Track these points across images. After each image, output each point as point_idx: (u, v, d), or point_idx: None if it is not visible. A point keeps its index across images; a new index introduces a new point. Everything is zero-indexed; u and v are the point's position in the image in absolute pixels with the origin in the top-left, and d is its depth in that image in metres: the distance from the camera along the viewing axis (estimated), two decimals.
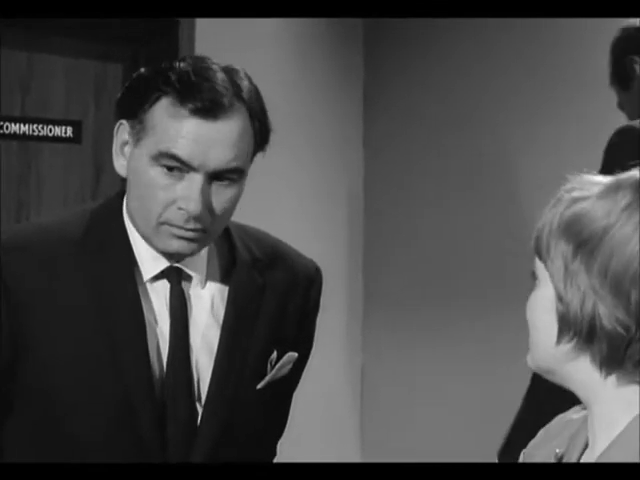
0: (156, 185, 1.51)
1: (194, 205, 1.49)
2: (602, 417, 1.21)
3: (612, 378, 1.18)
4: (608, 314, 1.14)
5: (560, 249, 1.17)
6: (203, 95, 1.48)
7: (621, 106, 2.19)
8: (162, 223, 1.53)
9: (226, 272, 1.64)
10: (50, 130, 3.42)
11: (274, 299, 1.66)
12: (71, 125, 3.46)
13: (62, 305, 1.55)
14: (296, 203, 3.92)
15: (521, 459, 1.38)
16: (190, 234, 1.53)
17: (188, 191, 1.50)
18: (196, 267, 1.61)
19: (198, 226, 1.52)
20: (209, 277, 1.63)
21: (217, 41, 3.61)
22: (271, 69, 3.77)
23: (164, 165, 1.50)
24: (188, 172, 1.50)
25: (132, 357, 1.55)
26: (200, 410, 1.60)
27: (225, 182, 1.53)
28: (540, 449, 1.34)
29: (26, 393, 1.57)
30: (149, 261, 1.60)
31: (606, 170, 2.07)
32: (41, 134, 3.40)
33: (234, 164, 1.52)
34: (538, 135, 3.46)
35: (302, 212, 3.93)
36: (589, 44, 3.31)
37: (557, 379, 1.24)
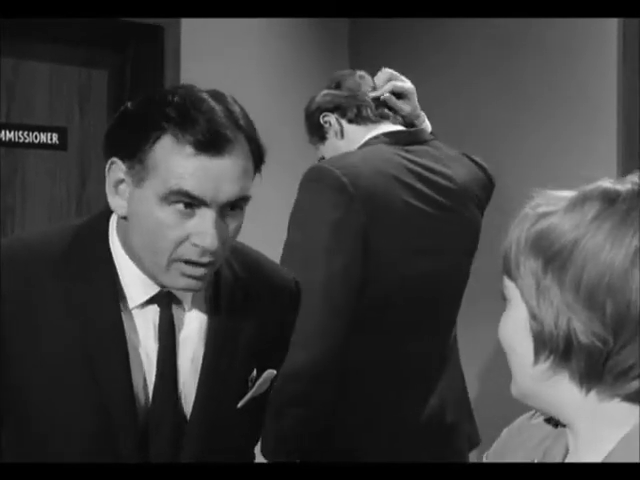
0: (166, 225, 1.47)
1: (210, 240, 1.47)
2: (586, 433, 1.18)
3: (593, 393, 1.15)
4: (584, 329, 1.11)
5: (530, 266, 1.15)
6: (206, 130, 1.45)
7: (322, 158, 2.55)
8: (174, 260, 1.50)
9: (211, 292, 1.62)
10: (36, 137, 3.41)
11: (255, 317, 1.65)
12: (56, 132, 3.46)
13: (42, 325, 1.52)
14: (283, 206, 3.91)
15: (485, 460, 1.37)
16: (201, 271, 1.51)
17: (202, 227, 1.47)
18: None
19: (212, 259, 1.50)
20: (197, 299, 1.61)
21: (202, 47, 3.61)
22: (256, 73, 3.77)
23: (174, 202, 1.46)
24: (199, 208, 1.47)
25: (113, 381, 1.53)
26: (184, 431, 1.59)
27: (234, 211, 1.52)
28: (509, 452, 1.32)
29: (7, 413, 1.55)
30: (138, 286, 1.57)
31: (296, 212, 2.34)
32: (27, 141, 3.39)
33: (243, 194, 1.50)
34: (526, 138, 3.46)
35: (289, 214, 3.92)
36: (580, 41, 3.32)
37: (539, 403, 1.22)
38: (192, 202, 1.46)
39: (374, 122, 2.44)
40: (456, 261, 2.45)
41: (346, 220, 2.22)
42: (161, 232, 1.48)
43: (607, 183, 1.17)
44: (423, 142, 2.45)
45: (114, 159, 1.51)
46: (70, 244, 1.57)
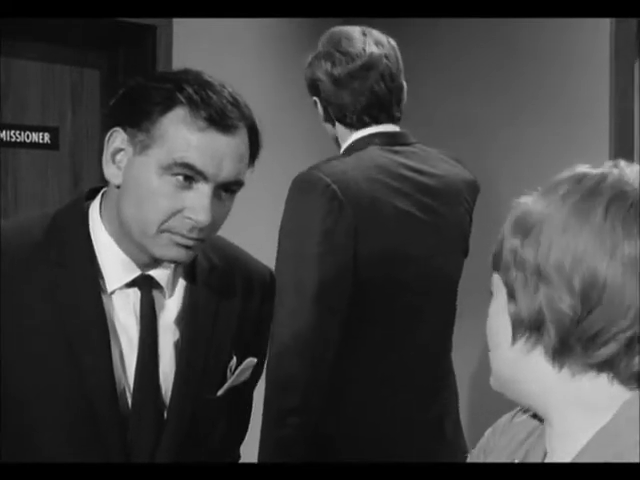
0: (162, 194, 1.50)
1: (204, 215, 1.50)
2: (560, 422, 1.20)
3: (565, 369, 1.17)
4: (555, 297, 1.14)
5: (510, 245, 1.20)
6: (219, 108, 1.50)
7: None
8: (163, 231, 1.52)
9: (187, 279, 1.65)
10: (27, 136, 3.41)
11: (231, 305, 1.67)
12: (48, 131, 3.45)
13: (20, 313, 1.53)
14: (278, 204, 3.91)
15: (469, 459, 1.39)
16: (191, 242, 1.54)
17: (198, 201, 1.50)
18: (164, 275, 1.62)
19: (200, 235, 1.53)
20: (175, 285, 1.64)
21: (194, 47, 3.61)
22: (249, 73, 3.77)
23: (176, 174, 1.49)
24: (198, 182, 1.51)
25: (94, 366, 1.53)
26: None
27: (227, 194, 1.55)
28: (493, 452, 1.34)
29: None
30: (118, 269, 1.58)
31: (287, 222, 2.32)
32: (18, 140, 3.39)
33: (240, 177, 1.54)
34: (522, 137, 3.47)
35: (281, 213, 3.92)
36: (573, 42, 3.32)
37: (516, 390, 1.23)
38: (192, 175, 1.50)
39: (364, 125, 2.40)
40: (448, 263, 2.45)
41: (337, 227, 2.23)
42: (155, 201, 1.50)
43: (580, 168, 1.21)
44: (409, 144, 2.45)
45: (116, 128, 1.54)
46: (48, 230, 1.58)
